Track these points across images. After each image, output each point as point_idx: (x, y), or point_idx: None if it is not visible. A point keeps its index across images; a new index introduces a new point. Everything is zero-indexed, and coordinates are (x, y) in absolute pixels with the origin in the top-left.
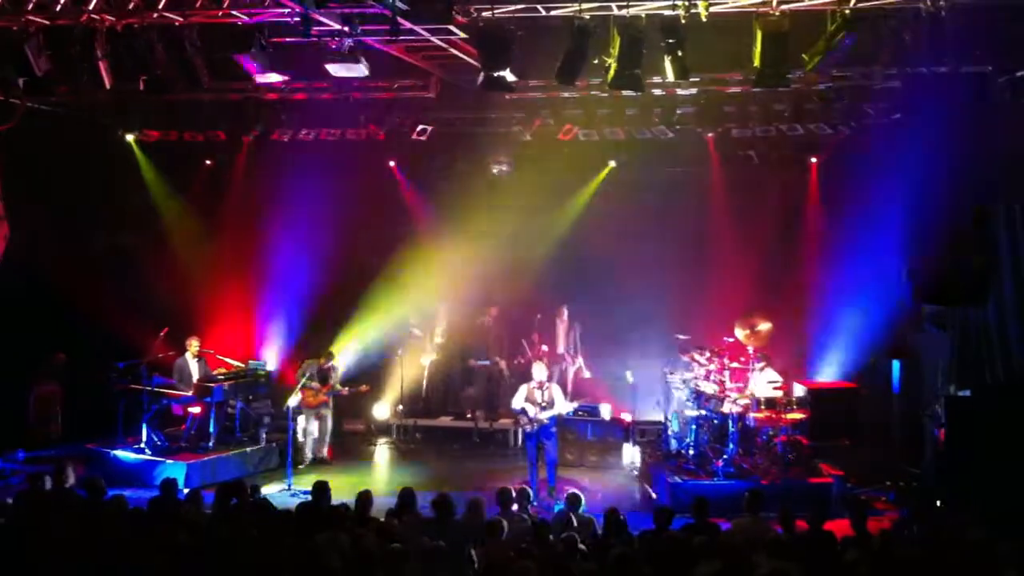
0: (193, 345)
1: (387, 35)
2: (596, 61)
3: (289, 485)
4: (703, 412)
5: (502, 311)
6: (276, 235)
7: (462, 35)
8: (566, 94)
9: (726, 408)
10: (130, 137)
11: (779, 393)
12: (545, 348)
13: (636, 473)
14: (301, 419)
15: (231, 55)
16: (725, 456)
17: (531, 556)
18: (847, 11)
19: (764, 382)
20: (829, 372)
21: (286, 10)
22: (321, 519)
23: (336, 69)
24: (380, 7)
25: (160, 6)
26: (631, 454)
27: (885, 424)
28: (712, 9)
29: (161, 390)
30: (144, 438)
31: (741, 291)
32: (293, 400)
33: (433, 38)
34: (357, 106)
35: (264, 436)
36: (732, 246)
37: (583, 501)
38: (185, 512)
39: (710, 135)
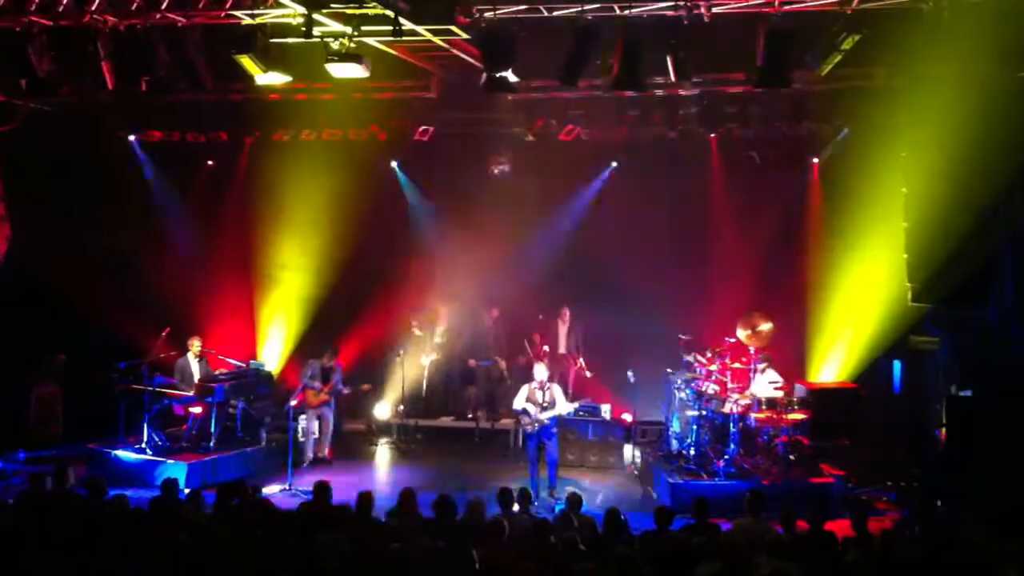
0: (195, 345)
1: (389, 36)
2: (598, 61)
3: (290, 485)
4: (704, 412)
5: (503, 311)
6: (278, 235)
7: (464, 36)
8: (568, 95)
9: (727, 408)
10: (132, 138)
11: (780, 393)
12: (546, 348)
13: (637, 473)
14: (302, 419)
15: (233, 55)
16: (726, 456)
17: (532, 556)
18: (849, 11)
19: (765, 382)
20: (830, 372)
21: (288, 10)
22: (322, 519)
23: (337, 70)
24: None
25: (162, 7)
26: (632, 454)
27: (886, 424)
28: (715, 9)
29: (162, 390)
30: (145, 438)
31: (743, 291)
32: (294, 400)
33: (435, 39)
34: (359, 107)
35: (265, 436)
36: (734, 246)
37: (584, 501)
38: (186, 512)
39: (712, 135)
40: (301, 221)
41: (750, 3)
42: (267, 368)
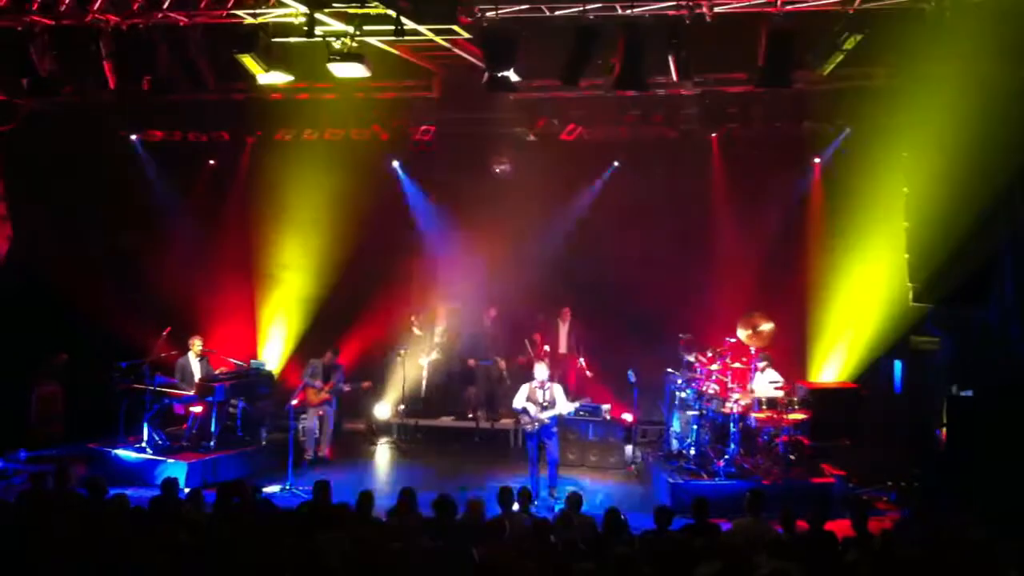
0: (195, 345)
1: (391, 35)
2: (600, 61)
3: (290, 484)
4: (704, 412)
5: (502, 311)
6: (279, 235)
7: (466, 35)
8: (569, 94)
9: (727, 408)
10: (133, 137)
11: (780, 393)
12: (547, 348)
13: (637, 473)
14: (303, 418)
15: (235, 55)
16: (726, 456)
17: (532, 556)
18: (851, 11)
19: (766, 382)
20: (831, 372)
21: (290, 10)
22: (322, 519)
23: (339, 69)
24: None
25: (164, 6)
26: (632, 454)
27: (887, 424)
28: (716, 9)
29: (163, 389)
30: (145, 437)
31: (743, 291)
32: (295, 399)
33: (437, 38)
34: (360, 106)
35: (265, 435)
36: (735, 246)
37: (584, 501)
38: (186, 511)
39: (713, 135)
40: (302, 221)
41: (752, 3)
42: (268, 368)
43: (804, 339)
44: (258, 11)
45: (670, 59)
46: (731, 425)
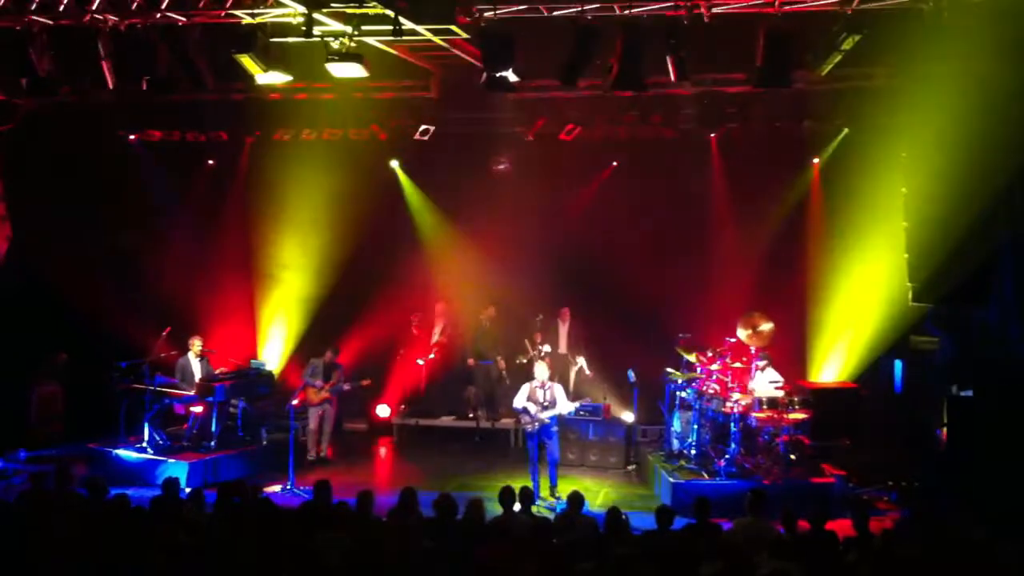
0: (195, 344)
1: (389, 35)
2: (598, 61)
3: (291, 484)
4: (705, 412)
5: (500, 311)
6: (278, 234)
7: (464, 35)
8: (568, 94)
9: (728, 408)
10: (132, 137)
11: (781, 393)
12: (548, 348)
13: (637, 473)
14: (303, 418)
15: (233, 55)
16: (727, 456)
17: (532, 556)
18: (850, 11)
19: (766, 382)
20: (831, 372)
21: (288, 10)
22: (322, 518)
23: (337, 69)
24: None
25: (163, 6)
26: (632, 453)
27: (887, 424)
28: (715, 10)
29: (163, 389)
30: (146, 437)
31: (743, 291)
32: (295, 399)
33: (435, 38)
34: (359, 106)
35: (266, 435)
36: (734, 246)
37: (584, 501)
38: (187, 511)
39: (712, 135)
40: (301, 220)
41: (750, 3)
42: (268, 367)
43: (804, 339)
44: (256, 11)
45: (668, 59)
46: (731, 425)
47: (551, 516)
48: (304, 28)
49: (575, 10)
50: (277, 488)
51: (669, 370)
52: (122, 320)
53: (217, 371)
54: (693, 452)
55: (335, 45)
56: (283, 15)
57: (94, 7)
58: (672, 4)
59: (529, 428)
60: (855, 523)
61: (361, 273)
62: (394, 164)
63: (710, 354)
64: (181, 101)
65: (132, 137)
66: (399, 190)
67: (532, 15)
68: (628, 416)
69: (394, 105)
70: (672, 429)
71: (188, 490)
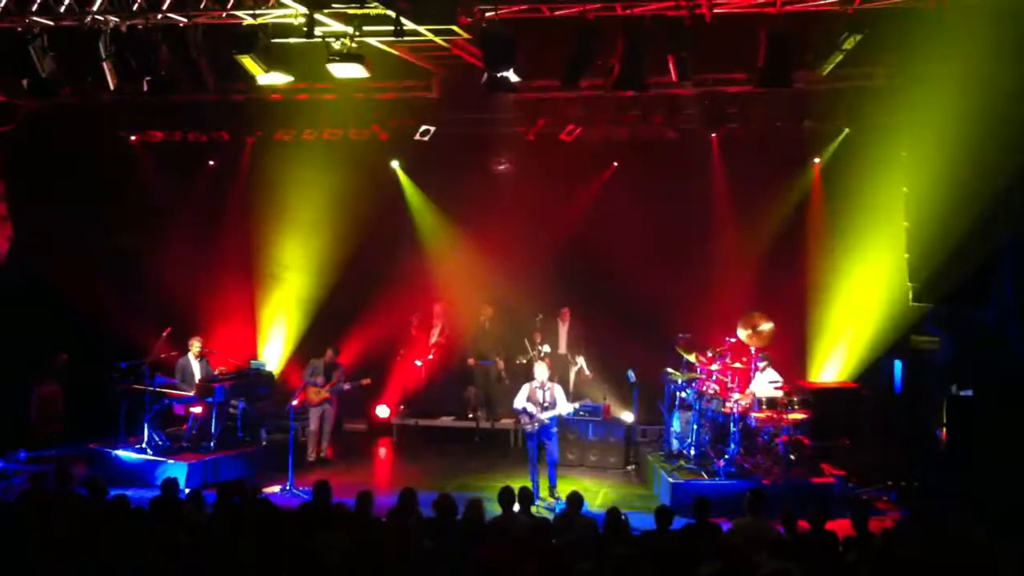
0: (195, 345)
1: (390, 36)
2: (599, 62)
3: (290, 485)
4: (705, 412)
5: (500, 311)
6: (279, 235)
7: (465, 35)
8: (569, 94)
9: (727, 408)
10: (133, 138)
11: (780, 393)
12: (548, 348)
13: (637, 473)
14: (303, 418)
15: (234, 56)
16: (726, 456)
17: (532, 556)
18: (851, 11)
19: (765, 382)
20: (831, 372)
21: (289, 11)
22: (322, 519)
23: (338, 70)
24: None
25: (164, 7)
26: (632, 454)
27: (887, 424)
28: (716, 10)
29: (163, 390)
30: (146, 438)
31: (743, 291)
32: (295, 399)
33: (436, 39)
34: (360, 106)
35: (265, 436)
36: (735, 246)
37: (584, 501)
38: (186, 512)
39: (713, 135)
40: (302, 221)
41: (752, 3)
42: (268, 368)
43: (804, 339)
44: (258, 12)
45: (670, 59)
46: (731, 425)
47: (550, 516)
48: (305, 29)
49: (577, 10)
50: (276, 489)
51: (669, 370)
52: (122, 320)
53: (217, 371)
54: (693, 452)
55: (336, 46)
56: (284, 16)
57: (95, 8)
58: (673, 4)
59: (529, 428)
60: (855, 523)
61: (362, 273)
62: (395, 164)
63: (710, 354)
64: (182, 102)
65: (133, 138)
66: (400, 190)
67: (533, 15)
68: (628, 416)
69: (395, 105)
70: (672, 429)
71: (187, 490)
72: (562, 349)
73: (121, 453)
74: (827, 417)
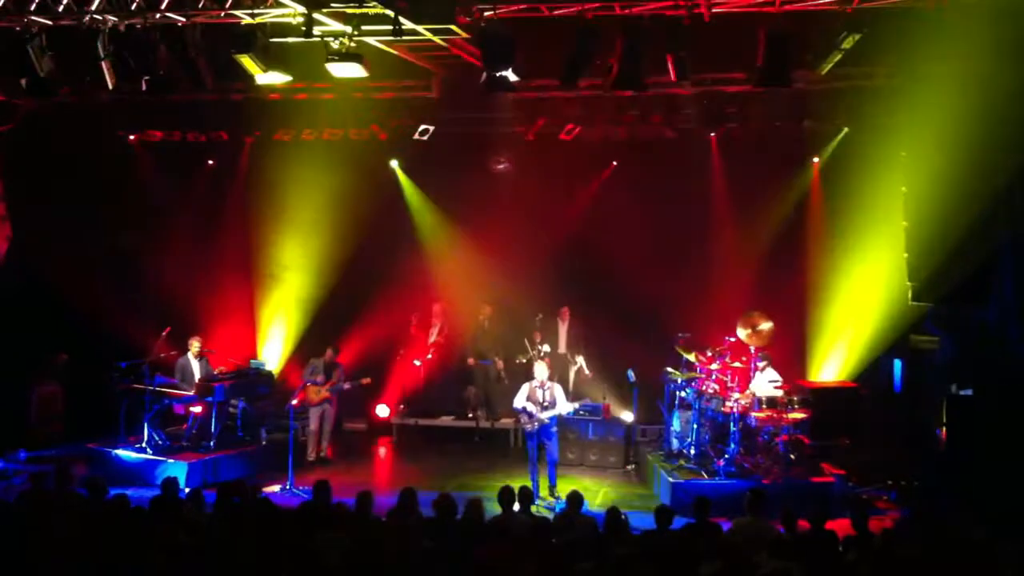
0: (194, 345)
1: (389, 35)
2: (598, 61)
3: (290, 484)
4: (704, 411)
5: (500, 310)
6: (278, 235)
7: (464, 35)
8: (568, 94)
9: (727, 407)
10: (132, 137)
11: (780, 392)
12: (547, 348)
13: (637, 472)
14: (303, 418)
15: (233, 55)
16: (726, 455)
17: (532, 556)
18: (850, 11)
19: (765, 381)
20: (831, 371)
21: (288, 10)
22: (322, 518)
23: (337, 69)
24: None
25: (162, 7)
26: (632, 453)
27: (887, 423)
28: (715, 9)
29: (163, 389)
30: (146, 437)
31: (743, 290)
32: (295, 399)
33: (435, 38)
34: (359, 106)
35: (265, 435)
36: (734, 245)
37: (584, 501)
38: (186, 511)
39: (712, 135)
40: (301, 221)
41: (750, 2)
42: (267, 367)
43: (804, 338)
44: (256, 11)
45: (668, 59)
46: (731, 424)
47: (550, 516)
48: (304, 28)
49: (575, 9)
50: (276, 488)
51: (669, 369)
52: (122, 320)
53: (216, 371)
54: (692, 452)
55: (335, 45)
56: (283, 15)
57: (94, 7)
58: (672, 4)
59: (529, 428)
60: (855, 522)
61: (361, 273)
62: (394, 164)
63: (710, 354)
64: (181, 101)
65: (132, 137)
66: (399, 190)
67: (532, 15)
68: (627, 416)
69: (394, 105)
70: (671, 429)
71: (187, 490)
72: (562, 349)
73: (121, 453)
74: (827, 416)
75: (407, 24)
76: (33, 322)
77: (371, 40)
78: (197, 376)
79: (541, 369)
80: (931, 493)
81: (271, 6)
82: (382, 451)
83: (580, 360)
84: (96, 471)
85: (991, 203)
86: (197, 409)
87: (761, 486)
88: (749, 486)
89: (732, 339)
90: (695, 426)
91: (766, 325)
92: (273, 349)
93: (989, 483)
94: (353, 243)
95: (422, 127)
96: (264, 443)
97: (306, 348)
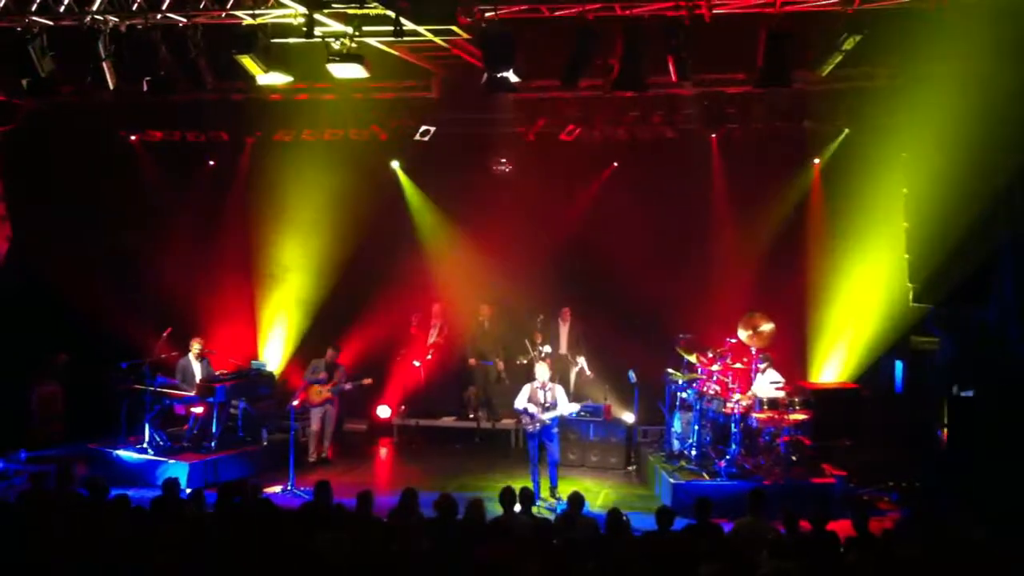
0: (195, 346)
1: (390, 36)
2: (599, 62)
3: (291, 485)
4: (706, 412)
5: (501, 311)
6: (279, 235)
7: (465, 36)
8: (569, 94)
9: (728, 408)
10: (133, 137)
11: (781, 393)
12: (548, 349)
13: (638, 473)
14: (304, 419)
15: (234, 56)
16: (727, 456)
17: (533, 557)
18: (851, 11)
19: (766, 383)
20: (832, 373)
21: (289, 11)
22: (323, 519)
23: (338, 70)
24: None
25: (164, 7)
26: (633, 454)
27: (888, 424)
28: (715, 10)
29: (164, 390)
30: (147, 438)
31: (744, 291)
32: (296, 399)
33: (436, 39)
34: (359, 107)
35: (266, 436)
36: (735, 246)
37: (585, 502)
38: (187, 512)
39: (713, 135)
40: (302, 221)
41: (751, 3)
42: (268, 368)
43: (805, 339)
44: (257, 12)
45: (669, 59)
46: (732, 425)
47: (551, 517)
48: (305, 29)
49: (576, 10)
50: (277, 489)
51: (670, 371)
52: (122, 320)
53: (218, 372)
54: (694, 453)
55: (336, 46)
56: (284, 16)
57: (95, 8)
58: (673, 4)
59: (530, 429)
60: (856, 523)
61: (362, 274)
62: (395, 165)
63: (711, 355)
64: (181, 102)
65: (133, 137)
66: (400, 191)
67: (533, 15)
68: (629, 417)
69: (395, 105)
70: (673, 430)
71: (188, 491)
72: (563, 349)
73: (122, 453)
74: (828, 417)
75: (408, 25)
76: (33, 322)
77: (372, 41)
78: (198, 377)
79: (542, 370)
80: (932, 494)
81: (272, 7)
82: (383, 452)
83: (581, 361)
84: (97, 471)
85: (991, 203)
86: (198, 410)
87: (762, 487)
88: (750, 487)
89: (733, 340)
90: (696, 427)
91: (767, 326)
92: (274, 350)
93: (990, 484)
94: (354, 244)
95: (423, 128)
96: (265, 444)
97: (307, 349)
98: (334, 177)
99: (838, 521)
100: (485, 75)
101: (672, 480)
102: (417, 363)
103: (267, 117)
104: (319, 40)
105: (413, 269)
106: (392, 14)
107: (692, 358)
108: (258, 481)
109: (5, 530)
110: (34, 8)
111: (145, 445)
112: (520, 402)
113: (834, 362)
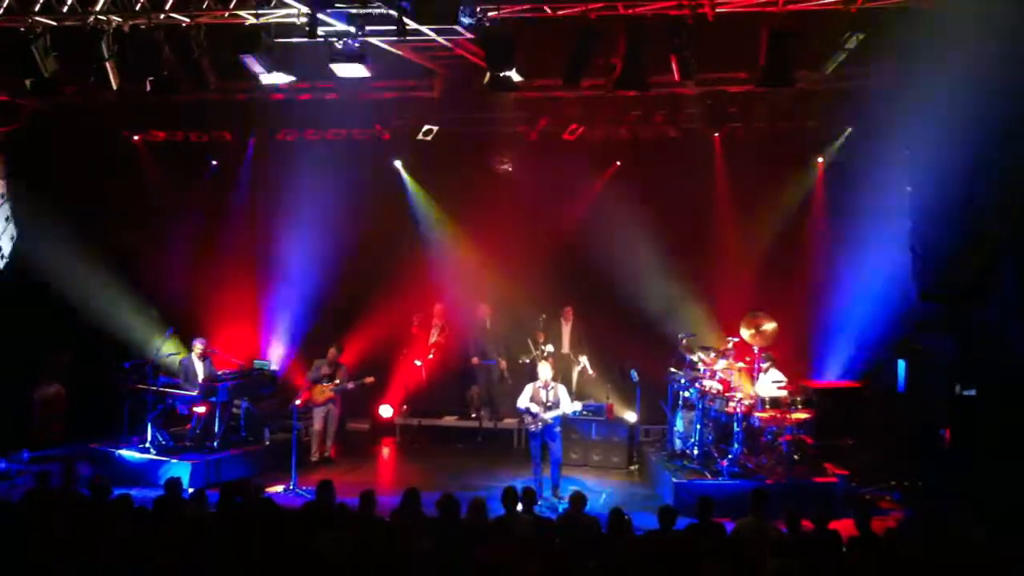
0: (198, 346)
1: (393, 35)
2: (601, 61)
3: (293, 484)
4: (708, 411)
5: (503, 310)
6: (281, 235)
7: (468, 35)
8: (571, 94)
9: (731, 407)
10: (136, 137)
11: (784, 393)
12: (551, 348)
13: (640, 473)
14: (307, 418)
15: (237, 56)
16: (730, 456)
17: (535, 556)
18: (854, 10)
19: (769, 382)
20: (834, 372)
21: (292, 10)
22: (325, 518)
23: (341, 69)
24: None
25: (167, 7)
26: (635, 453)
27: (890, 424)
28: (718, 9)
29: (166, 390)
30: (149, 437)
31: (746, 290)
32: (299, 399)
33: (439, 38)
34: (362, 106)
35: (269, 435)
36: (738, 245)
37: (587, 501)
38: (190, 511)
39: (715, 135)
40: (305, 221)
41: (754, 2)
42: (271, 368)
43: (807, 338)
44: (260, 11)
45: (672, 59)
46: (734, 424)
47: (554, 516)
48: (308, 28)
49: (579, 9)
50: (280, 488)
51: (672, 370)
52: (124, 320)
53: (220, 372)
54: (696, 452)
55: (339, 45)
56: (287, 15)
57: (98, 8)
58: (675, 3)
59: (532, 428)
60: (858, 523)
61: (364, 273)
62: (397, 164)
63: (713, 354)
64: (185, 101)
65: (136, 137)
66: (402, 190)
67: (535, 15)
68: (631, 416)
69: (397, 105)
70: (675, 429)
71: (191, 490)
72: (565, 349)
73: (124, 453)
74: (830, 417)
75: (411, 24)
76: (35, 322)
77: (375, 40)
78: (201, 376)
79: (545, 369)
80: (934, 493)
81: (275, 6)
82: (385, 451)
83: (583, 360)
84: (99, 471)
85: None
86: (201, 409)
87: (764, 486)
88: (752, 486)
89: (736, 339)
90: (698, 426)
91: (770, 325)
92: (276, 349)
93: (992, 483)
94: (357, 243)
95: (425, 127)
96: (267, 443)
97: (309, 348)
98: (337, 177)
99: (840, 520)
100: (487, 74)
101: (674, 479)
102: (418, 363)
103: (270, 117)
104: (322, 40)
105: (416, 269)
106: (395, 14)
107: (695, 357)
108: (260, 481)
109: (7, 530)
110: (37, 8)
111: (147, 445)
112: (522, 401)
113: (836, 361)
